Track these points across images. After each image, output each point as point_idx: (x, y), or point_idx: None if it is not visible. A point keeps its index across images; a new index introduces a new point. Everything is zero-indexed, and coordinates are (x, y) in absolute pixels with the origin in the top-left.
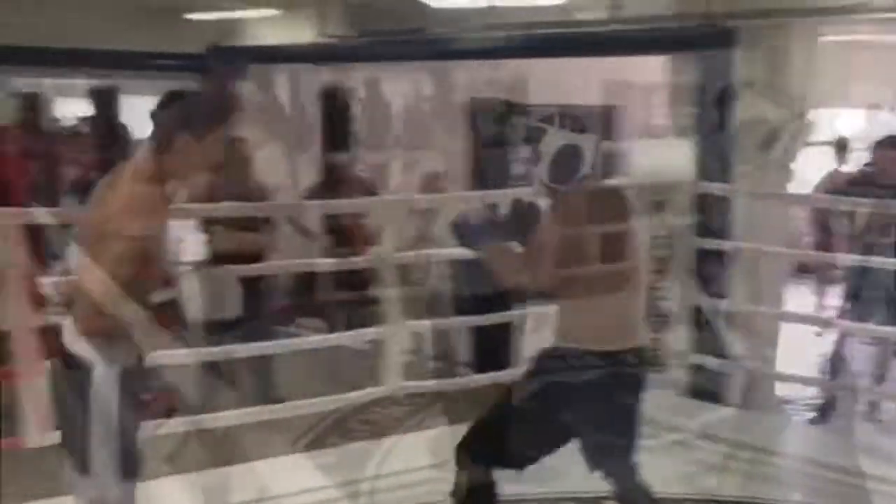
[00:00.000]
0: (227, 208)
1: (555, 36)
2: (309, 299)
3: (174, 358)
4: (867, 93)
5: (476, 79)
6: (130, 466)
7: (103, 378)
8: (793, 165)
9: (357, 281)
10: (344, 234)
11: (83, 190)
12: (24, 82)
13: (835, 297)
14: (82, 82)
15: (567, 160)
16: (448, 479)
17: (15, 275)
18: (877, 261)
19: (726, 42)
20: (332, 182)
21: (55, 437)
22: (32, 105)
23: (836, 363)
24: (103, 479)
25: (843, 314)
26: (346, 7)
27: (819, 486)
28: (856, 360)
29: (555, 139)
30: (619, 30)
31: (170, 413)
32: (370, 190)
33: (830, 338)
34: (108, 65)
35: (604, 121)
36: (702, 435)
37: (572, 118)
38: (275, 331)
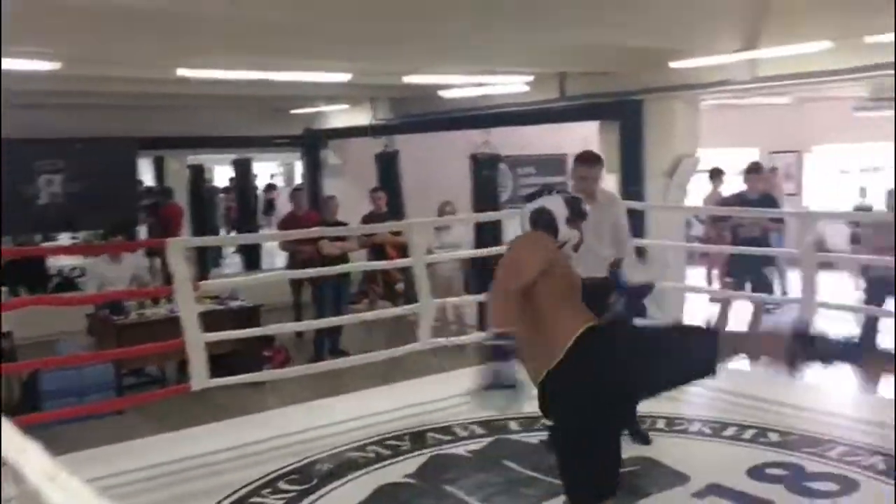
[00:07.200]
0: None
1: (514, 112)
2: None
3: (286, 328)
4: (733, 137)
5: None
6: None
7: None
8: (687, 187)
9: (395, 275)
10: (382, 247)
11: (233, 224)
12: (192, 158)
13: (719, 275)
14: (228, 156)
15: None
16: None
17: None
18: (745, 249)
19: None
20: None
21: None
22: (198, 171)
23: (722, 319)
24: None
25: (724, 286)
26: (390, 101)
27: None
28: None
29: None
30: (564, 105)
31: (285, 364)
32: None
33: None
34: (243, 145)
35: (558, 163)
36: None
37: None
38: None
